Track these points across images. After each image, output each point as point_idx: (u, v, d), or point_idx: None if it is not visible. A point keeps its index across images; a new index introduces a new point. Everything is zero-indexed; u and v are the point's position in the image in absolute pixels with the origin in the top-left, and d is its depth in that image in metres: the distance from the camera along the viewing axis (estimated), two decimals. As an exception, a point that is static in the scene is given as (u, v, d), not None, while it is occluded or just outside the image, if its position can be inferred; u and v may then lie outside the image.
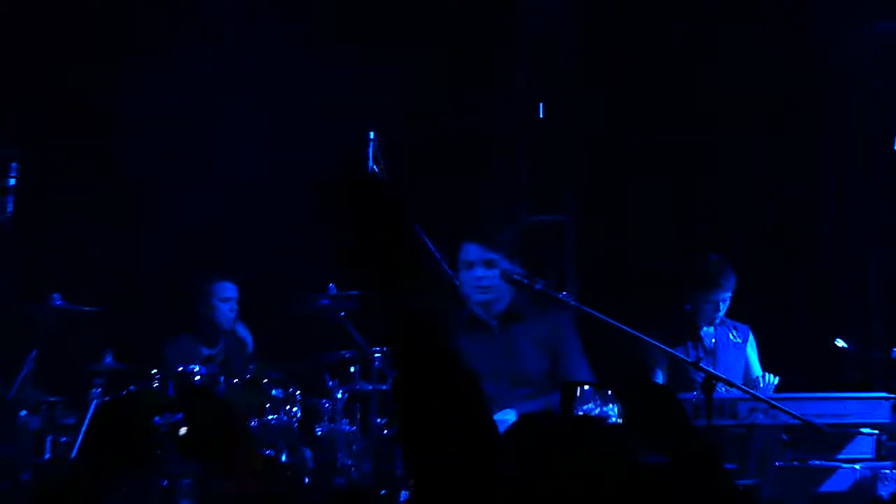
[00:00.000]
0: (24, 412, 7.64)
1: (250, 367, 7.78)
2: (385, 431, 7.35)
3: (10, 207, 7.65)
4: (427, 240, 7.12)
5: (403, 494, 6.73)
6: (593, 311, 6.37)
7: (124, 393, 7.01)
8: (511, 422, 4.98)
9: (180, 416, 3.83)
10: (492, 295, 6.74)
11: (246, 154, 9.14)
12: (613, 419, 5.08)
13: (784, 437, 7.05)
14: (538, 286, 6.43)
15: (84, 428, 7.19)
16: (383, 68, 9.37)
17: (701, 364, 6.48)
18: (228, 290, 8.43)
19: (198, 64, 9.20)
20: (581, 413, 4.57)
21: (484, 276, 6.68)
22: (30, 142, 8.02)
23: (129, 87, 9.09)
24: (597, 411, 5.11)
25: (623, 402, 3.74)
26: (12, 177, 7.64)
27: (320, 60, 9.44)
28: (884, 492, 6.96)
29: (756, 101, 9.61)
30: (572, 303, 6.47)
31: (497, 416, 5.90)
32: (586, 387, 5.16)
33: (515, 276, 6.51)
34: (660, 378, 7.86)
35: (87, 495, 3.69)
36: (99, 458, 3.79)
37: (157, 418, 3.93)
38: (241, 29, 9.41)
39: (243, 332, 8.56)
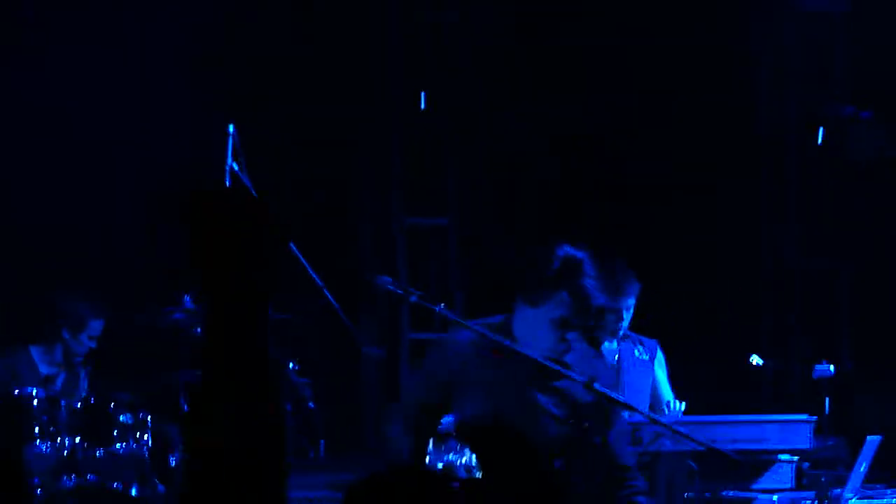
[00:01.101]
0: None
1: (94, 389, 7.63)
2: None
3: None
4: (305, 261, 7.22)
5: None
6: (476, 327, 5.95)
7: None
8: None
9: None
10: None
11: (89, 149, 8.93)
12: (475, 471, 4.96)
13: (693, 465, 6.88)
14: (413, 298, 6.01)
15: None
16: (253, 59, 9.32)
17: (596, 385, 5.92)
18: (98, 328, 8.18)
19: (42, 62, 9.10)
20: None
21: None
22: None
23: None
24: (460, 461, 5.10)
25: (477, 452, 4.01)
26: None
27: (185, 49, 9.27)
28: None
29: (668, 99, 9.58)
30: (450, 317, 6.00)
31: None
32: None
33: (388, 287, 6.05)
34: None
35: None
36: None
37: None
38: (95, 15, 9.23)
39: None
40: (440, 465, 5.37)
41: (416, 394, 6.07)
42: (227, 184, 6.94)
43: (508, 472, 3.80)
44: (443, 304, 6.05)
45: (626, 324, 7.84)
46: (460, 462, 5.25)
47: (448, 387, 5.86)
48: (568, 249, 6.02)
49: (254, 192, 7.00)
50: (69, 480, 7.03)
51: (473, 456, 5.08)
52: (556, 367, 6.14)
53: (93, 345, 8.07)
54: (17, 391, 7.16)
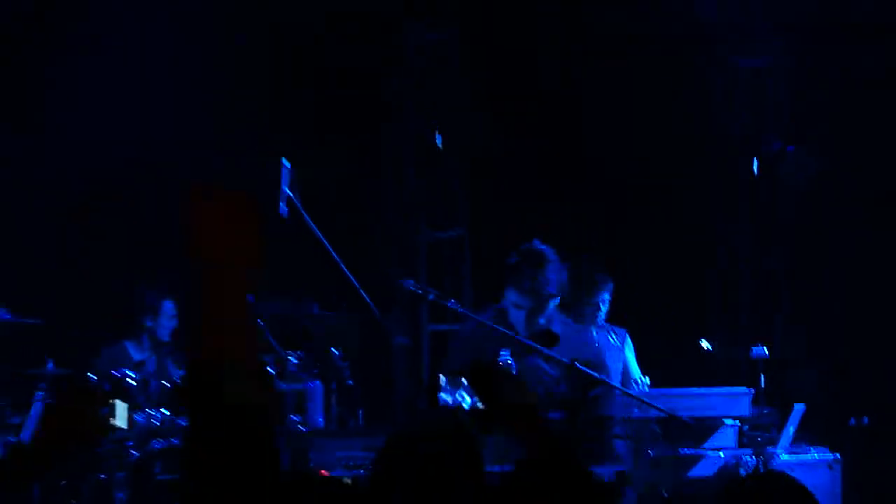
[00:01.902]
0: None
1: (180, 371, 8.10)
2: (300, 427, 7.57)
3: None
4: (344, 267, 7.40)
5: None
6: (482, 319, 6.79)
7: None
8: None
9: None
10: None
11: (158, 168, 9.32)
12: (467, 406, 5.25)
13: (656, 428, 7.36)
14: (431, 296, 6.74)
15: (32, 422, 7.46)
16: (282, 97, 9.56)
17: (577, 364, 6.74)
18: (171, 307, 8.72)
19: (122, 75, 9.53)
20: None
21: None
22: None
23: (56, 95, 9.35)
24: (451, 400, 5.30)
25: (476, 391, 3.74)
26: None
27: (217, 89, 9.64)
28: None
29: (638, 126, 9.95)
30: (460, 310, 6.79)
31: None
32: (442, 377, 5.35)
33: (411, 288, 6.76)
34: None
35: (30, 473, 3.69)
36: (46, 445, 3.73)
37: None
38: (148, 46, 9.69)
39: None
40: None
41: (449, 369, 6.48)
42: (284, 210, 7.27)
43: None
44: (453, 301, 6.76)
45: (603, 315, 8.24)
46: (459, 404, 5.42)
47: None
48: (529, 246, 6.61)
49: (307, 218, 7.33)
50: (158, 444, 7.47)
51: (473, 400, 5.21)
52: (550, 352, 6.75)
53: (174, 323, 8.50)
54: (115, 372, 7.56)
